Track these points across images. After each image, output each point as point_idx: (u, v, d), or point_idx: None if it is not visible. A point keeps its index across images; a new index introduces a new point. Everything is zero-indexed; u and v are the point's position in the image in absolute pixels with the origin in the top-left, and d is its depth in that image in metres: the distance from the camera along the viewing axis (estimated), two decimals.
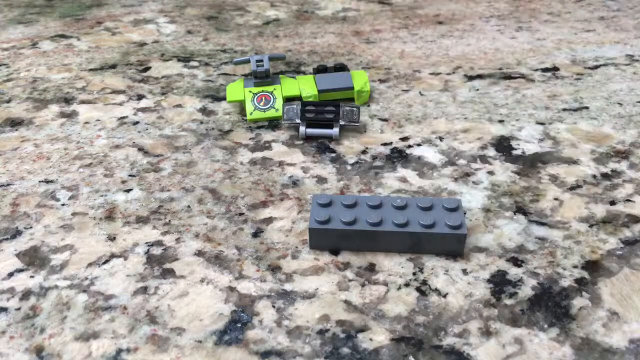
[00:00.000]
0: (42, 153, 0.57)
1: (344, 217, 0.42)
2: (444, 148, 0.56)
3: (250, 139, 0.58)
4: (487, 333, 0.37)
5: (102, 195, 0.50)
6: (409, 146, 0.56)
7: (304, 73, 0.73)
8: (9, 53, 0.81)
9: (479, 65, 0.74)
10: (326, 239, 0.43)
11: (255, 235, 0.45)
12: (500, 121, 0.60)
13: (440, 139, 0.57)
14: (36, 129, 0.61)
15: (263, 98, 0.62)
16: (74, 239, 0.45)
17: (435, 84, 0.69)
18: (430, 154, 0.55)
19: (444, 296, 0.39)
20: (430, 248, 0.42)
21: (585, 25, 0.87)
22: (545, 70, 0.72)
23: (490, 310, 0.38)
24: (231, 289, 0.40)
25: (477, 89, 0.67)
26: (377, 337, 0.37)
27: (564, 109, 0.63)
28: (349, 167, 0.53)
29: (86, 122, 0.62)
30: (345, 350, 0.36)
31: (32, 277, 0.42)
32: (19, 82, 0.72)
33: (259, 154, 0.56)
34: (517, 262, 0.42)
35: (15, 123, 0.62)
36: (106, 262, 0.43)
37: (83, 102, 0.67)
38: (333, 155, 0.55)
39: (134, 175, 0.53)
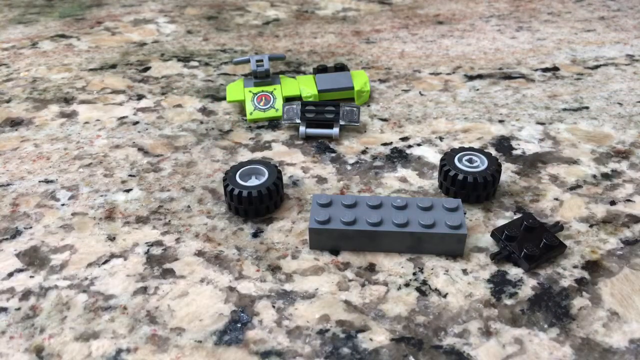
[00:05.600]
0: (42, 153, 0.57)
1: (344, 217, 0.42)
2: (444, 148, 0.56)
3: (250, 139, 0.58)
4: (487, 333, 0.37)
5: (102, 195, 0.50)
6: (409, 146, 0.56)
7: (304, 73, 0.73)
8: (9, 53, 0.81)
9: (479, 65, 0.74)
10: (326, 239, 0.43)
11: (255, 235, 0.45)
12: (501, 121, 0.60)
13: (440, 139, 0.57)
14: (36, 129, 0.61)
15: (263, 98, 0.62)
16: (74, 239, 0.45)
17: (435, 84, 0.69)
18: (431, 154, 0.55)
19: (444, 296, 0.39)
20: (430, 248, 0.42)
21: (586, 25, 0.87)
22: (546, 70, 0.72)
23: (490, 310, 0.38)
24: (231, 289, 0.40)
25: (478, 89, 0.67)
26: (377, 337, 0.37)
27: (564, 109, 0.63)
28: (349, 167, 0.53)
29: (86, 122, 0.62)
30: (345, 350, 0.36)
31: (32, 277, 0.42)
32: (19, 82, 0.72)
33: (259, 154, 0.56)
34: (517, 262, 0.42)
35: (15, 123, 0.62)
36: (106, 262, 0.43)
37: (83, 102, 0.67)
38: (333, 155, 0.55)
39: (134, 175, 0.53)
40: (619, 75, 0.70)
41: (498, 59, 0.76)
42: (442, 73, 0.72)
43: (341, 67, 0.66)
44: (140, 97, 0.67)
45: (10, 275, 0.42)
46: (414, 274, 0.41)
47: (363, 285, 0.40)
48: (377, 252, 0.43)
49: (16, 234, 0.46)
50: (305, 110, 0.57)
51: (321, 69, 0.66)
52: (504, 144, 0.57)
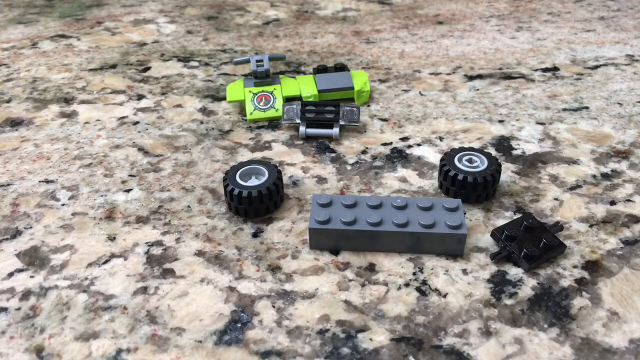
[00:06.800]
0: (42, 153, 0.57)
1: (344, 217, 0.42)
2: (444, 148, 0.56)
3: (250, 139, 0.58)
4: (487, 333, 0.37)
5: (102, 195, 0.50)
6: (409, 146, 0.56)
7: (304, 73, 0.73)
8: (9, 53, 0.81)
9: (479, 65, 0.74)
10: (326, 239, 0.43)
11: (255, 235, 0.45)
12: (501, 121, 0.60)
13: (440, 139, 0.57)
14: (36, 129, 0.61)
15: (263, 98, 0.62)
16: (74, 239, 0.45)
17: (435, 84, 0.69)
18: (430, 154, 0.55)
19: (444, 296, 0.39)
20: (430, 248, 0.43)
21: (585, 25, 0.87)
22: (545, 70, 0.72)
23: (490, 310, 0.38)
24: (231, 289, 0.40)
25: (477, 89, 0.67)
26: (377, 337, 0.37)
27: (564, 109, 0.63)
28: (349, 167, 0.53)
29: (86, 122, 0.62)
30: (345, 350, 0.36)
31: (32, 277, 0.42)
32: (19, 82, 0.72)
33: (259, 154, 0.56)
34: (517, 262, 0.42)
35: (15, 123, 0.62)
36: (106, 262, 0.43)
37: (83, 102, 0.67)
38: (333, 155, 0.55)
39: (134, 175, 0.53)
40: (618, 75, 0.70)
41: (498, 59, 0.76)
42: (442, 73, 0.72)
43: (341, 67, 0.66)
44: (140, 97, 0.67)
45: (11, 275, 0.42)
46: (414, 274, 0.41)
47: (363, 285, 0.40)
48: (377, 252, 0.43)
49: (16, 234, 0.46)
50: (305, 110, 0.58)
51: (321, 69, 0.66)
52: (503, 144, 0.57)
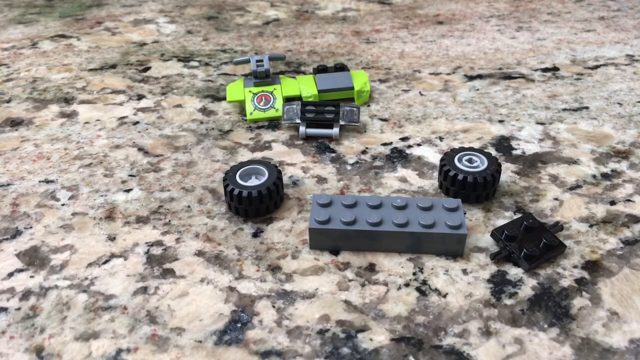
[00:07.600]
0: (42, 153, 0.57)
1: (344, 217, 0.42)
2: (444, 148, 0.56)
3: (250, 139, 0.58)
4: (487, 333, 0.37)
5: (102, 195, 0.50)
6: (409, 146, 0.56)
7: (304, 73, 0.73)
8: (9, 53, 0.81)
9: (479, 65, 0.74)
10: (326, 239, 0.43)
11: (255, 235, 0.45)
12: (501, 121, 0.60)
13: (440, 139, 0.57)
14: (36, 129, 0.61)
15: (263, 98, 0.62)
16: (74, 239, 0.45)
17: (435, 84, 0.69)
18: (430, 154, 0.55)
19: (444, 296, 0.39)
20: (430, 248, 0.43)
21: (585, 25, 0.87)
22: (545, 70, 0.72)
23: (490, 310, 0.38)
24: (231, 289, 0.40)
25: (477, 89, 0.67)
26: (377, 337, 0.37)
27: (564, 109, 0.63)
28: (349, 167, 0.53)
29: (86, 122, 0.62)
30: (345, 350, 0.36)
31: (32, 277, 0.42)
32: (19, 82, 0.72)
33: (259, 154, 0.56)
34: (517, 262, 0.42)
35: (15, 123, 0.62)
36: (106, 262, 0.43)
37: (83, 102, 0.67)
38: (333, 155, 0.55)
39: (134, 175, 0.53)
40: (618, 75, 0.70)
41: (498, 59, 0.76)
42: (442, 73, 0.72)
43: (341, 67, 0.66)
44: (140, 97, 0.67)
45: (11, 275, 0.42)
46: (414, 274, 0.41)
47: (363, 285, 0.40)
48: (377, 252, 0.43)
49: (16, 234, 0.46)
50: (305, 110, 0.58)
51: (321, 69, 0.66)
52: (503, 144, 0.57)
